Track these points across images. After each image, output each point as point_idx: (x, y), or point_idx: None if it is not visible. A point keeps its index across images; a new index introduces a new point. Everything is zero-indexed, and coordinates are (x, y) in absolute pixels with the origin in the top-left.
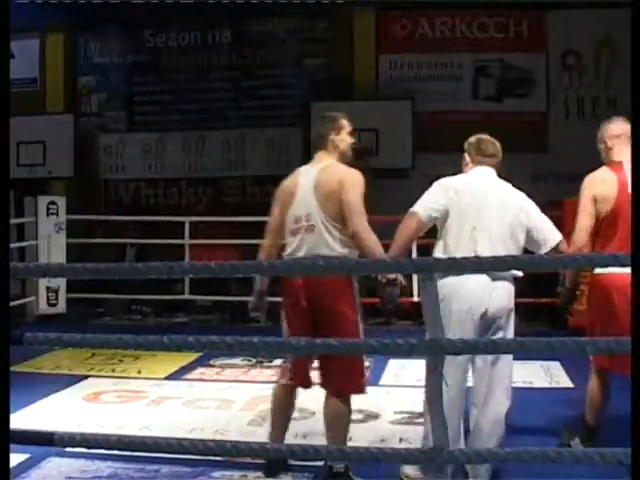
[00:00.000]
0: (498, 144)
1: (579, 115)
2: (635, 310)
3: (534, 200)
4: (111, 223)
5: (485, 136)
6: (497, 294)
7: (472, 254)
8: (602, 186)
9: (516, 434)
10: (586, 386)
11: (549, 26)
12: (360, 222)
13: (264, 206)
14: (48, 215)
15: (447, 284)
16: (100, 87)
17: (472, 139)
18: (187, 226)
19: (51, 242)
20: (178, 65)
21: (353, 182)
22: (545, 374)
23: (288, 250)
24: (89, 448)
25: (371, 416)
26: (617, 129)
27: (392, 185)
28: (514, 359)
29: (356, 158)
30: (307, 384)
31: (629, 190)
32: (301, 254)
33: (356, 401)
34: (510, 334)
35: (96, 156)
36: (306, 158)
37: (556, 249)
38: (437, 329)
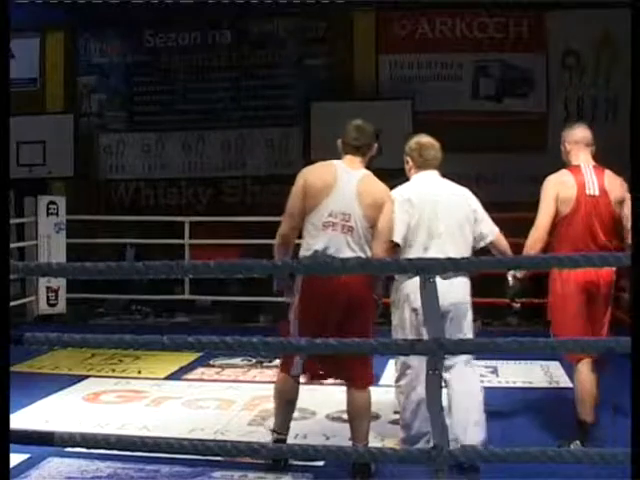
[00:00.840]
0: (437, 144)
1: (579, 115)
2: (635, 309)
3: (535, 199)
4: (111, 223)
5: (425, 139)
6: (453, 289)
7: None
8: (563, 188)
9: (516, 434)
10: None
11: (549, 26)
12: (384, 247)
13: (264, 206)
14: (48, 215)
15: (408, 284)
16: (100, 87)
17: (413, 145)
18: (187, 226)
19: (51, 242)
20: (178, 65)
21: (392, 201)
22: (545, 374)
23: (317, 245)
24: (89, 448)
25: (371, 416)
26: (578, 134)
27: (392, 185)
28: (514, 359)
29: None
30: (317, 378)
31: (587, 192)
32: (336, 252)
33: None
34: (466, 325)
35: (96, 156)
36: (306, 158)
37: (492, 242)
38: (437, 328)
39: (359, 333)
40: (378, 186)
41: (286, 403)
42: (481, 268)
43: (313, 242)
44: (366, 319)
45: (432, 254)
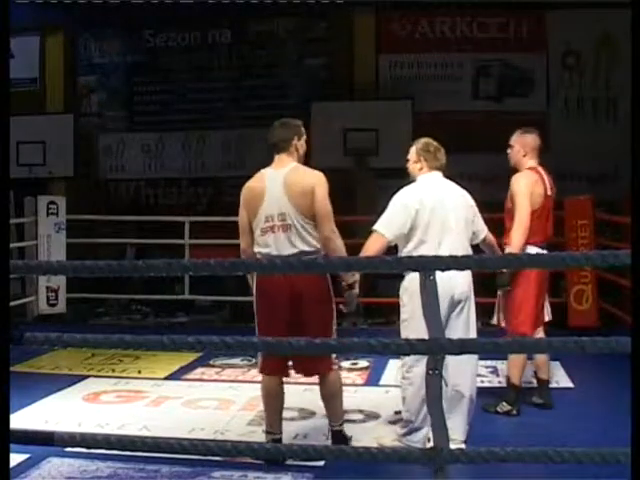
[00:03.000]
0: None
1: (579, 115)
2: (635, 309)
3: None
4: (111, 223)
5: (435, 143)
6: (460, 281)
7: (437, 252)
8: (536, 186)
9: (516, 433)
10: (586, 385)
11: (549, 26)
12: (330, 227)
13: None
14: (48, 215)
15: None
16: (100, 87)
17: (427, 147)
18: (187, 226)
19: (51, 242)
20: (178, 65)
21: (322, 184)
22: None
23: (263, 249)
24: (89, 448)
25: (371, 416)
26: (534, 142)
27: (392, 185)
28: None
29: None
30: (284, 374)
31: (547, 193)
32: (282, 252)
33: (356, 401)
34: (472, 312)
35: (96, 156)
36: (306, 158)
37: (484, 239)
38: (437, 328)
39: (315, 327)
40: (305, 174)
41: (271, 402)
42: (488, 266)
43: (259, 247)
44: (320, 312)
45: (445, 248)
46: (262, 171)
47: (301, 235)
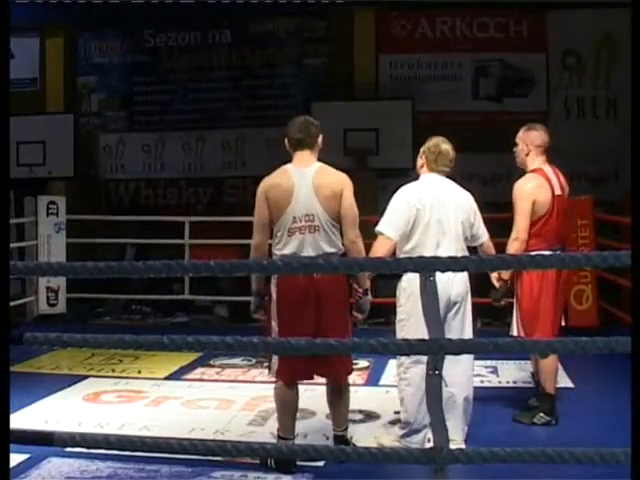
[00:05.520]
0: (453, 153)
1: (579, 115)
2: (635, 309)
3: None
4: (111, 223)
5: (445, 147)
6: (456, 282)
7: (435, 253)
8: (541, 192)
9: (516, 433)
10: (586, 385)
11: (549, 26)
12: (356, 231)
13: None
14: (48, 215)
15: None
16: (100, 87)
17: (433, 148)
18: (187, 226)
19: (51, 242)
20: (178, 65)
21: (350, 187)
22: None
23: (287, 250)
24: (89, 448)
25: (371, 416)
26: (539, 139)
27: (392, 185)
28: (514, 359)
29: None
30: (304, 379)
31: (555, 193)
32: (307, 253)
33: (356, 401)
34: (469, 313)
35: (96, 156)
36: None
37: (482, 245)
38: (437, 328)
39: (336, 328)
40: (333, 176)
41: (284, 407)
42: (487, 268)
43: (282, 248)
44: (341, 314)
45: (443, 249)
46: (285, 167)
47: (328, 237)
